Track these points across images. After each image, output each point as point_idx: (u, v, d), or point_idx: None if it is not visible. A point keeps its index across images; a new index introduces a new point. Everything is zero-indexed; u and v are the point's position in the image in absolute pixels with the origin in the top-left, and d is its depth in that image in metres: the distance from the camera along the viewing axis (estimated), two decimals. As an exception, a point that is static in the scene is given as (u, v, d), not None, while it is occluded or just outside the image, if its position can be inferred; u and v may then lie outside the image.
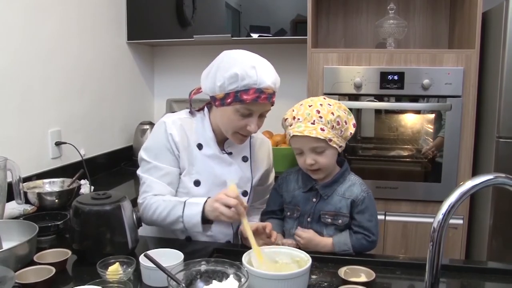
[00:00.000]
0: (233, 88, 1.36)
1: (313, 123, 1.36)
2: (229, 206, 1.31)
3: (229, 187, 1.36)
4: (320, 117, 1.36)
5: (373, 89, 2.32)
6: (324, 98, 1.42)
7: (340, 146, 1.41)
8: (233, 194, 1.32)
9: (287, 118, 1.43)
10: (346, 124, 1.40)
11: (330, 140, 1.37)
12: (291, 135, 1.39)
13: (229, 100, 1.38)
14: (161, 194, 1.46)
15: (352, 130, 1.43)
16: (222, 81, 1.37)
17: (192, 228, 1.41)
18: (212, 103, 1.48)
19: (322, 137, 1.35)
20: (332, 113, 1.37)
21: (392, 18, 2.50)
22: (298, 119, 1.38)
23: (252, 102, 1.36)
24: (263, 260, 1.18)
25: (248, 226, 1.30)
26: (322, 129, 1.35)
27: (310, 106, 1.39)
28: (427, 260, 0.92)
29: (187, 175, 1.49)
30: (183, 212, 1.39)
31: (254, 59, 1.40)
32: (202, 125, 1.53)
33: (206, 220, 1.38)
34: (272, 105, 1.45)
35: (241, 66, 1.35)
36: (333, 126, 1.37)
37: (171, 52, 3.18)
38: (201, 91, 1.52)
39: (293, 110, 1.42)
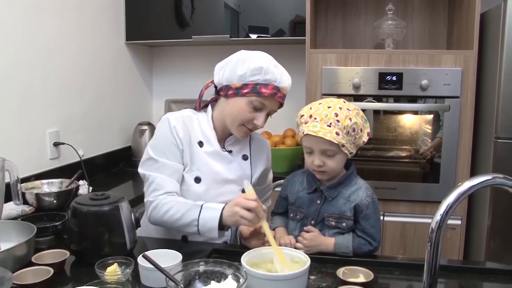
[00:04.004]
0: (254, 80, 1.41)
1: (329, 126, 1.34)
2: (249, 210, 1.28)
3: (247, 190, 1.35)
4: (338, 120, 1.34)
5: (372, 90, 2.32)
6: (344, 102, 1.40)
7: (351, 153, 1.41)
8: (253, 197, 1.30)
9: (303, 115, 1.41)
10: (361, 132, 1.40)
11: (343, 145, 1.36)
12: (305, 133, 1.37)
13: (245, 91, 1.42)
14: (172, 192, 1.44)
15: (365, 138, 1.42)
16: (244, 71, 1.42)
17: (207, 233, 1.37)
18: (222, 93, 1.48)
19: (335, 142, 1.34)
20: (350, 119, 1.35)
21: (391, 19, 2.51)
22: (315, 118, 1.36)
23: (268, 96, 1.41)
24: (285, 261, 1.18)
25: (268, 228, 1.29)
26: (337, 133, 1.34)
27: (329, 108, 1.36)
28: (425, 261, 0.92)
29: (188, 172, 1.49)
30: (199, 215, 1.36)
31: (275, 60, 1.48)
32: (203, 123, 1.54)
33: (221, 226, 1.36)
34: (280, 107, 1.50)
35: (266, 62, 1.43)
36: (348, 132, 1.35)
37: (169, 53, 3.18)
38: (210, 85, 1.55)
39: (310, 108, 1.40)
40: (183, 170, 1.50)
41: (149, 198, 1.46)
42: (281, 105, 1.49)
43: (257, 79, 1.40)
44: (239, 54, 1.47)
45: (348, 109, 1.37)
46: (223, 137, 1.55)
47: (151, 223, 1.48)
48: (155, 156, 1.47)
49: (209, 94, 1.57)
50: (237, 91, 1.43)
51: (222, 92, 1.48)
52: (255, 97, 1.41)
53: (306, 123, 1.39)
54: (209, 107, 1.56)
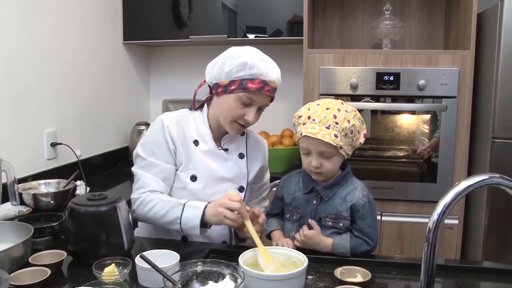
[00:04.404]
0: (240, 76, 1.41)
1: (328, 128, 1.34)
2: (233, 210, 1.31)
3: (229, 192, 1.37)
4: (336, 122, 1.34)
5: (369, 90, 2.33)
6: (342, 103, 1.40)
7: (348, 154, 1.41)
8: (237, 198, 1.33)
9: (301, 116, 1.41)
10: (358, 133, 1.40)
11: (341, 147, 1.36)
12: (303, 134, 1.37)
13: (233, 87, 1.42)
14: (156, 190, 1.47)
15: (362, 140, 1.42)
16: (230, 68, 1.42)
17: (189, 231, 1.40)
18: (214, 92, 1.50)
19: (334, 144, 1.34)
20: (348, 121, 1.35)
21: (388, 19, 2.51)
22: (314, 120, 1.36)
23: (255, 91, 1.41)
24: (270, 260, 1.19)
25: (252, 227, 1.31)
26: (336, 136, 1.34)
27: (327, 109, 1.36)
28: (422, 260, 0.92)
29: (184, 170, 1.50)
30: (181, 213, 1.39)
31: (263, 54, 1.47)
32: (199, 122, 1.55)
33: (204, 224, 1.38)
34: (272, 101, 1.50)
35: (251, 56, 1.42)
36: (346, 134, 1.36)
37: (167, 53, 3.18)
38: (203, 83, 1.56)
39: (308, 109, 1.40)
40: (178, 169, 1.50)
41: (134, 196, 1.49)
42: (272, 99, 1.49)
43: (242, 74, 1.41)
44: (227, 51, 1.48)
45: (346, 111, 1.37)
46: (219, 135, 1.56)
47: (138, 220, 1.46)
48: (143, 154, 1.49)
49: (203, 93, 1.58)
50: (225, 89, 1.44)
51: (214, 90, 1.50)
52: (243, 93, 1.41)
53: (304, 124, 1.38)
54: (205, 106, 1.58)
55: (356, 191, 1.44)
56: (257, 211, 1.42)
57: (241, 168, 1.57)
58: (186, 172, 1.50)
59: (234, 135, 1.55)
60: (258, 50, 1.48)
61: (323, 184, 1.45)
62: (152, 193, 1.46)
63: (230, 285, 1.05)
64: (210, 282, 1.07)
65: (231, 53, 1.46)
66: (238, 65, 1.41)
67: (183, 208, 1.39)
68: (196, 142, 1.52)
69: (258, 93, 1.42)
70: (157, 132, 1.49)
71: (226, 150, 1.56)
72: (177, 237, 1.53)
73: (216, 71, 1.47)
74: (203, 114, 1.56)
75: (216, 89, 1.47)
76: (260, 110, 1.48)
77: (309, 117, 1.38)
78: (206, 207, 1.38)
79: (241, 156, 1.58)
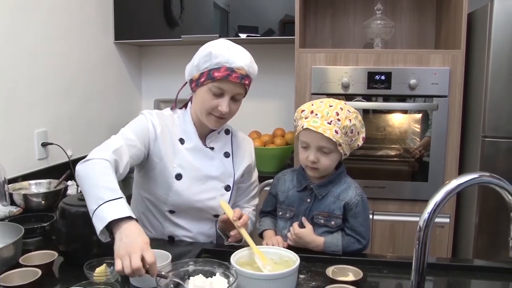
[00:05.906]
0: (207, 67, 1.41)
1: (329, 123, 1.36)
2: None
3: (220, 203, 1.39)
4: (338, 119, 1.36)
5: (361, 89, 2.34)
6: (345, 103, 1.43)
7: (345, 154, 1.43)
8: (151, 259, 1.06)
9: (304, 110, 1.43)
10: (358, 135, 1.42)
11: (340, 144, 1.37)
12: (304, 127, 1.38)
13: (202, 79, 1.42)
14: (119, 148, 1.33)
15: (360, 142, 1.44)
16: (198, 61, 1.44)
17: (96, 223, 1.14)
18: (190, 89, 1.51)
19: (334, 139, 1.35)
20: (350, 120, 1.38)
21: (379, 18, 2.52)
22: (316, 114, 1.38)
23: (222, 79, 1.39)
24: (267, 261, 1.20)
25: (247, 233, 1.32)
26: (336, 132, 1.36)
27: (330, 106, 1.39)
28: (413, 259, 0.92)
29: (168, 168, 1.47)
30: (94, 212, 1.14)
31: (231, 43, 1.46)
32: (183, 120, 1.55)
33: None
34: (246, 89, 1.48)
35: (216, 46, 1.43)
36: (346, 132, 1.38)
37: (158, 52, 3.17)
38: (186, 84, 1.55)
39: (312, 105, 1.43)
40: (156, 168, 1.47)
41: (89, 155, 1.29)
42: (244, 86, 1.44)
43: (209, 65, 1.41)
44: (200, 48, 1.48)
45: (348, 110, 1.40)
46: (204, 133, 1.55)
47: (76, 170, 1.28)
48: (122, 129, 1.44)
49: (187, 93, 1.58)
50: (197, 82, 1.45)
51: (190, 86, 1.51)
52: (211, 83, 1.41)
53: (306, 118, 1.40)
54: (189, 104, 1.58)
55: (350, 189, 1.45)
56: (237, 213, 1.38)
57: (227, 167, 1.56)
58: (172, 170, 1.48)
59: (215, 128, 1.53)
60: (228, 41, 1.47)
61: (317, 182, 1.46)
62: (109, 153, 1.29)
63: (222, 281, 1.05)
64: (200, 275, 1.08)
65: (200, 48, 1.47)
66: (204, 56, 1.42)
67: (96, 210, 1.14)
68: (181, 140, 1.51)
69: (226, 81, 1.40)
70: (140, 118, 1.49)
71: (211, 149, 1.55)
72: (164, 236, 1.53)
73: (189, 67, 1.49)
74: (187, 112, 1.56)
75: (191, 85, 1.49)
76: (235, 100, 1.46)
77: (312, 112, 1.40)
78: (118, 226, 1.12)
79: (226, 155, 1.58)
